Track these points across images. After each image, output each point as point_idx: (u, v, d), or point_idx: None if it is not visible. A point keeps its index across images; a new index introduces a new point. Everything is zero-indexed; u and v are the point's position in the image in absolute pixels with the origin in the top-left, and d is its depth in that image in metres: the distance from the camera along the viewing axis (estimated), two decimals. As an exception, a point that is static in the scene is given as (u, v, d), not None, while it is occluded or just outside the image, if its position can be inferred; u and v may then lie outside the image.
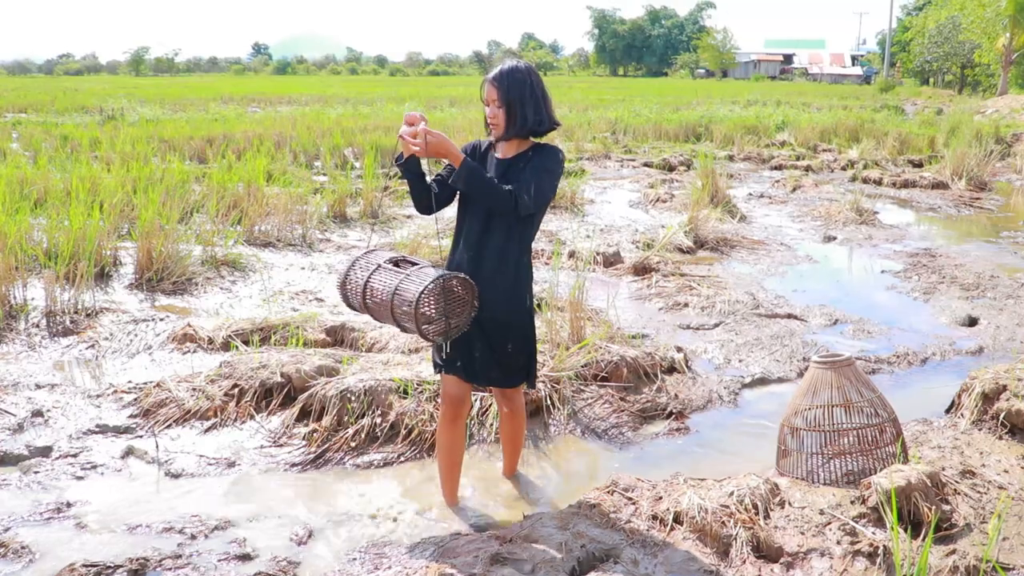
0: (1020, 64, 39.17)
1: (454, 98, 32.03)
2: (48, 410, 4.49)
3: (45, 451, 4.06)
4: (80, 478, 3.84)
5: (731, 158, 17.32)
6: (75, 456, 4.03)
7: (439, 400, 3.59)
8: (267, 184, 9.97)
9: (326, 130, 16.93)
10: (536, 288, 6.53)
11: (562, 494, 3.80)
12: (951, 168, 13.86)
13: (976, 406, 4.40)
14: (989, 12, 36.55)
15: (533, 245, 8.42)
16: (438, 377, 4.02)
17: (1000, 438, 4.22)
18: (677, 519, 3.30)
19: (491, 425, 4.29)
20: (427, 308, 3.12)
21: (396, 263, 3.28)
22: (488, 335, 3.35)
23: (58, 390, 4.79)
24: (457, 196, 3.41)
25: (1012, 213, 11.77)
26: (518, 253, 3.34)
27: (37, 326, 5.75)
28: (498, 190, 3.13)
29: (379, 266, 3.25)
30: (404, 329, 3.19)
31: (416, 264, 3.28)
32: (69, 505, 3.59)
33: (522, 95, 3.25)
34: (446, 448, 3.58)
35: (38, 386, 4.82)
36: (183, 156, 13.71)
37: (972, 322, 6.38)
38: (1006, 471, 3.89)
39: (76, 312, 5.97)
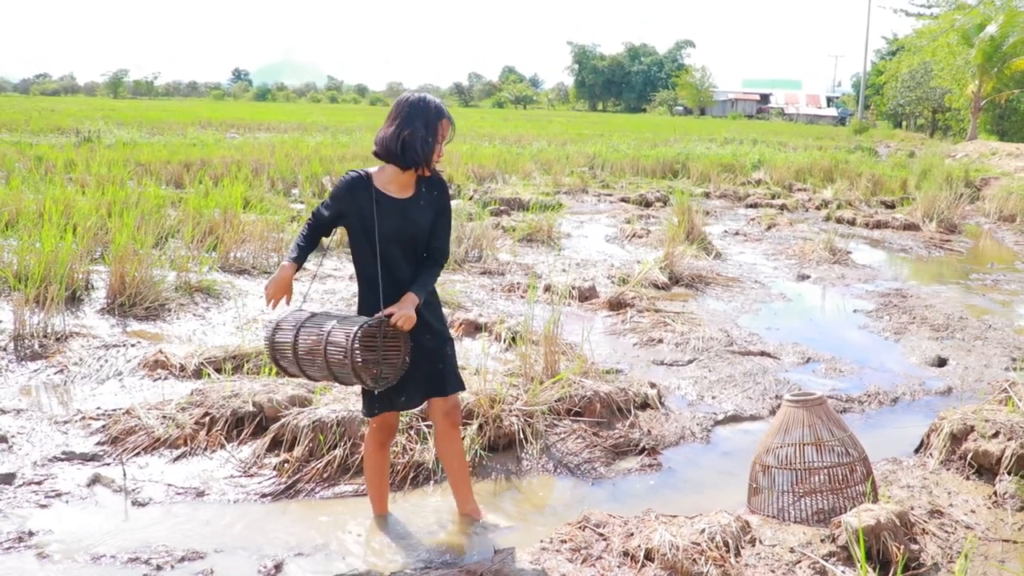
0: (988, 111, 40.01)
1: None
2: (12, 436, 4.41)
3: (8, 478, 3.97)
4: (44, 506, 3.78)
5: (707, 195, 17.50)
6: (39, 484, 3.96)
7: (372, 426, 3.64)
8: (244, 211, 9.92)
9: (304, 158, 16.92)
10: (511, 321, 6.56)
11: (534, 529, 3.79)
12: (922, 210, 14.08)
13: (945, 446, 4.45)
14: (959, 60, 37.38)
15: (509, 279, 8.51)
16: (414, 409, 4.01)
17: (968, 478, 4.26)
18: (648, 556, 3.30)
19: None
20: (362, 352, 3.12)
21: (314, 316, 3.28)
22: (428, 354, 3.44)
23: (24, 415, 4.71)
24: (358, 242, 3.41)
25: (980, 256, 11.97)
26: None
27: (4, 349, 5.66)
28: (434, 280, 3.45)
29: (303, 322, 3.23)
30: (339, 379, 3.17)
31: (341, 315, 3.30)
32: (31, 534, 3.52)
33: None
34: (376, 468, 3.72)
35: (3, 411, 4.74)
36: (159, 180, 13.62)
37: (941, 363, 6.46)
38: (973, 511, 3.92)
39: (45, 336, 5.89)
